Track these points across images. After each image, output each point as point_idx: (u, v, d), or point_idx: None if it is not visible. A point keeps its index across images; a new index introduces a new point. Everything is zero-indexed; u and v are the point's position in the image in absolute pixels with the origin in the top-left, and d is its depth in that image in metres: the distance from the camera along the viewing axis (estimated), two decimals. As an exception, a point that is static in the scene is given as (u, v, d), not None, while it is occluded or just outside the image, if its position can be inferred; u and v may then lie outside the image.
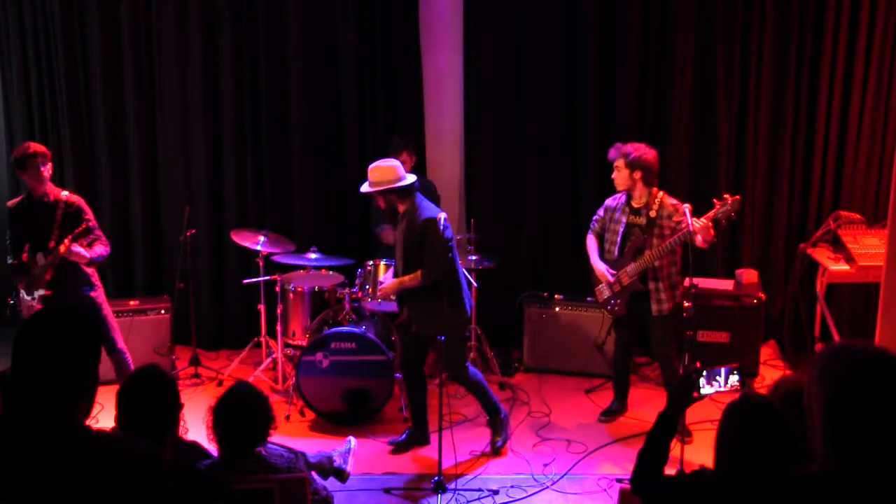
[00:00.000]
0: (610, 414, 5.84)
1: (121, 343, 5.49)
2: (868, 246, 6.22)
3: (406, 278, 5.11)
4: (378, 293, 5.38)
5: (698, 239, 5.15)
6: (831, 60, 6.52)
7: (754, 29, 6.54)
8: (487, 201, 6.90)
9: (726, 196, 5.18)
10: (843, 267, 6.22)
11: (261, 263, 6.20)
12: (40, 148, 5.33)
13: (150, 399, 3.24)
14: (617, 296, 5.53)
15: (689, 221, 5.14)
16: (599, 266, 5.58)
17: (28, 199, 5.39)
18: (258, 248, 6.09)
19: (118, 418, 3.24)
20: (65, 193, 5.39)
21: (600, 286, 5.62)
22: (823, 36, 6.48)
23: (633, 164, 5.33)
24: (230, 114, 6.87)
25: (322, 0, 6.74)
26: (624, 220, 5.47)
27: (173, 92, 6.86)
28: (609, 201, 5.62)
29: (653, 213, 5.36)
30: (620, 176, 5.40)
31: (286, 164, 6.96)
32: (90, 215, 5.43)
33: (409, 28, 6.79)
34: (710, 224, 5.12)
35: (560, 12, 6.64)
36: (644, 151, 5.35)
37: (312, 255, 6.20)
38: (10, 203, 5.47)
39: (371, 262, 5.96)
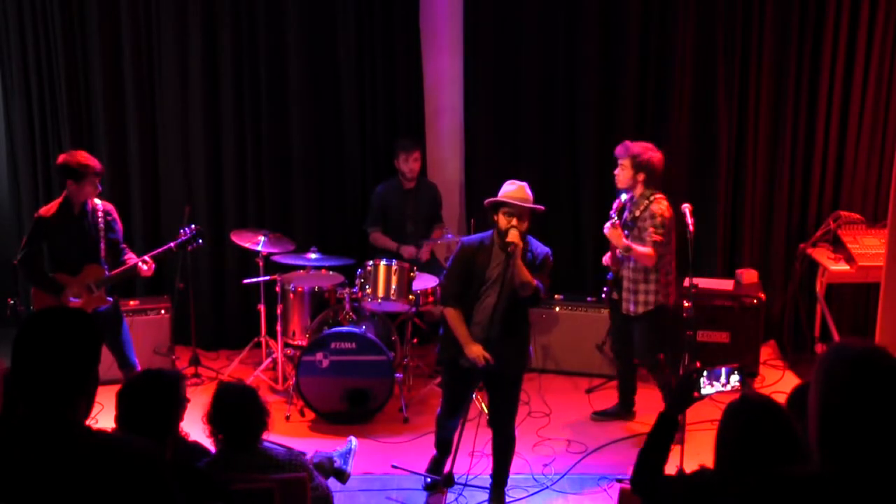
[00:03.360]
0: (605, 415, 5.82)
1: (134, 357, 5.45)
2: (868, 246, 6.22)
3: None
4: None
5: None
6: (831, 60, 6.51)
7: (754, 29, 6.53)
8: (488, 201, 6.90)
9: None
10: (843, 267, 6.22)
11: (261, 263, 6.20)
12: (99, 164, 5.23)
13: (150, 400, 3.24)
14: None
15: (689, 221, 5.14)
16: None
17: (67, 210, 5.23)
18: (258, 248, 6.09)
19: (118, 418, 3.25)
20: (98, 201, 5.35)
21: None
22: (823, 36, 6.48)
23: (638, 166, 5.27)
24: (230, 114, 6.87)
25: (322, 0, 6.74)
26: (627, 210, 5.43)
27: (173, 92, 6.85)
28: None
29: (637, 213, 5.31)
30: (624, 175, 5.33)
31: (286, 164, 6.96)
32: (119, 223, 5.47)
33: (409, 28, 6.78)
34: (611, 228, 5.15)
35: (560, 12, 6.63)
36: (652, 154, 5.28)
37: (312, 255, 6.19)
38: (45, 211, 5.30)
39: (371, 263, 5.96)
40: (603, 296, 5.67)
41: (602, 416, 5.81)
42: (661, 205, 5.28)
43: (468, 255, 4.59)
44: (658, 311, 5.36)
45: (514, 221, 4.42)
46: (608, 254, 5.54)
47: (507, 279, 4.44)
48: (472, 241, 4.65)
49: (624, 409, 5.83)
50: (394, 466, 5.00)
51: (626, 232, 5.31)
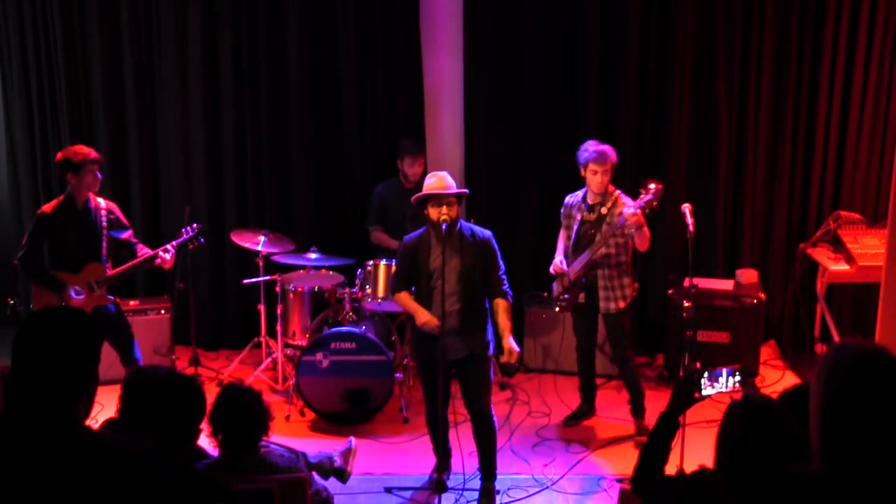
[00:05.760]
0: (575, 418, 5.80)
1: (137, 352, 5.45)
2: (868, 246, 6.22)
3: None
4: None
5: (634, 235, 5.15)
6: (831, 60, 6.52)
7: (754, 29, 6.53)
8: (488, 201, 6.90)
9: (650, 184, 5.10)
10: (843, 267, 6.22)
11: (261, 263, 6.20)
12: (95, 153, 5.23)
13: (178, 406, 3.11)
14: (566, 291, 5.49)
15: (689, 221, 5.13)
16: (555, 260, 5.54)
17: (70, 206, 5.23)
18: (258, 248, 6.09)
19: (134, 413, 3.13)
20: (101, 200, 5.35)
21: (555, 281, 5.60)
22: (823, 36, 6.48)
23: (613, 168, 5.34)
24: (230, 114, 6.87)
25: (322, 0, 6.74)
26: (579, 217, 5.44)
27: (173, 92, 6.86)
28: (568, 198, 5.58)
29: (604, 210, 5.33)
30: (605, 179, 5.31)
31: (286, 164, 6.96)
32: (125, 220, 5.47)
33: (409, 28, 6.78)
34: (640, 212, 5.04)
35: (560, 12, 6.63)
36: (612, 150, 5.35)
37: (312, 255, 6.20)
38: (47, 208, 5.29)
39: (371, 263, 5.96)
40: (557, 309, 5.62)
41: (573, 420, 5.80)
42: (626, 198, 5.32)
43: (409, 251, 4.79)
44: (632, 304, 5.50)
45: (444, 209, 4.60)
46: (556, 280, 5.56)
47: (446, 266, 4.59)
48: (412, 237, 4.82)
49: (590, 408, 5.84)
50: (387, 490, 4.99)
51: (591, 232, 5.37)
